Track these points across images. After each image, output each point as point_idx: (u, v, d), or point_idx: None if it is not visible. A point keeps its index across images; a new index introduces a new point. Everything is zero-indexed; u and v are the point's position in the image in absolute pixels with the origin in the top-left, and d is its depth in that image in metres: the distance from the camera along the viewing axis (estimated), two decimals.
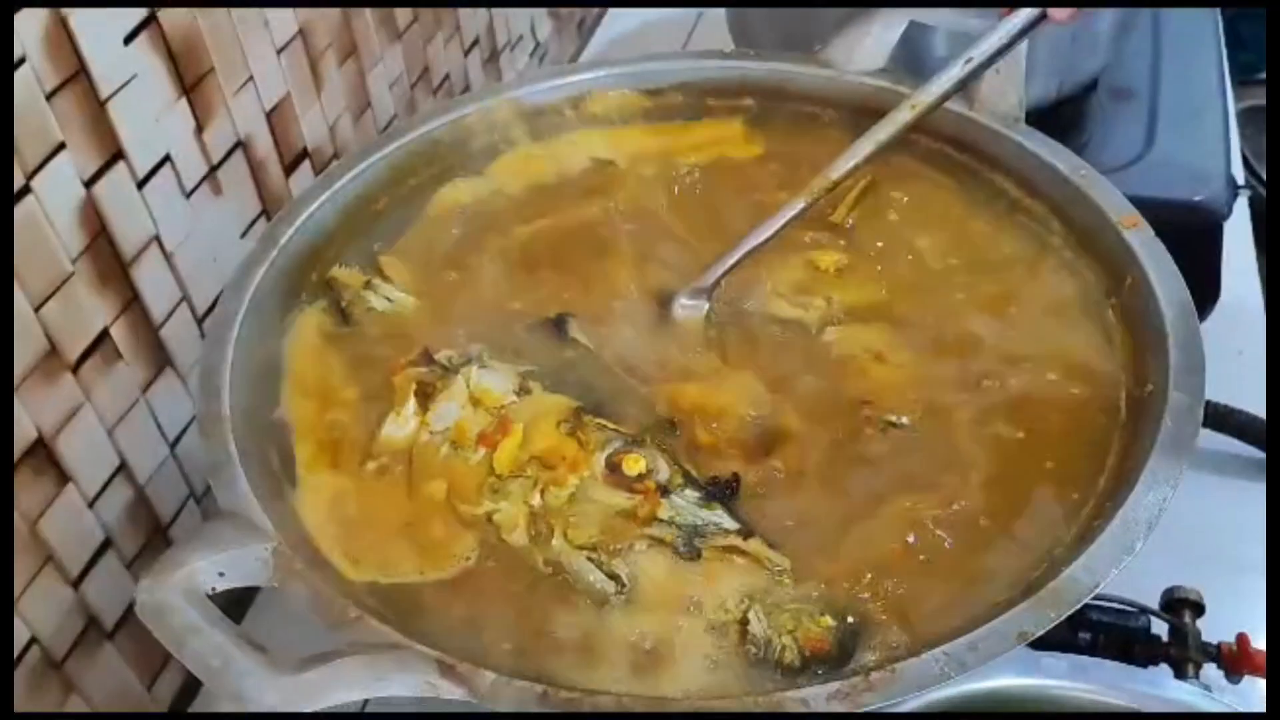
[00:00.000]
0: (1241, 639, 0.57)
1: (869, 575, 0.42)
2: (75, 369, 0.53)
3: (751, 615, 0.42)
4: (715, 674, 0.40)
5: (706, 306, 0.54)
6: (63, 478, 0.53)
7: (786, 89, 0.63)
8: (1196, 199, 0.70)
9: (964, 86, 0.54)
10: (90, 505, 0.55)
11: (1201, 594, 0.60)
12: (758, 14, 0.74)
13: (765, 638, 0.41)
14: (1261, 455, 0.71)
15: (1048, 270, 0.54)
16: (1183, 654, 0.57)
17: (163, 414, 0.60)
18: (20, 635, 0.52)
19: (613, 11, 1.18)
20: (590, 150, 0.63)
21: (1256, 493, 0.70)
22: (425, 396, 0.50)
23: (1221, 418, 0.71)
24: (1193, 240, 0.70)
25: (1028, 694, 0.52)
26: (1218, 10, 0.89)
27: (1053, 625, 0.37)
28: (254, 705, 0.33)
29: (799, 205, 0.54)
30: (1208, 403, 0.67)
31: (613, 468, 0.47)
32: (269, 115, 0.65)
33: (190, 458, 0.62)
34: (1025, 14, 0.53)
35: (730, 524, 0.45)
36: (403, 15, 0.78)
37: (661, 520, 0.45)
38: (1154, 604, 0.60)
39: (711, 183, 0.61)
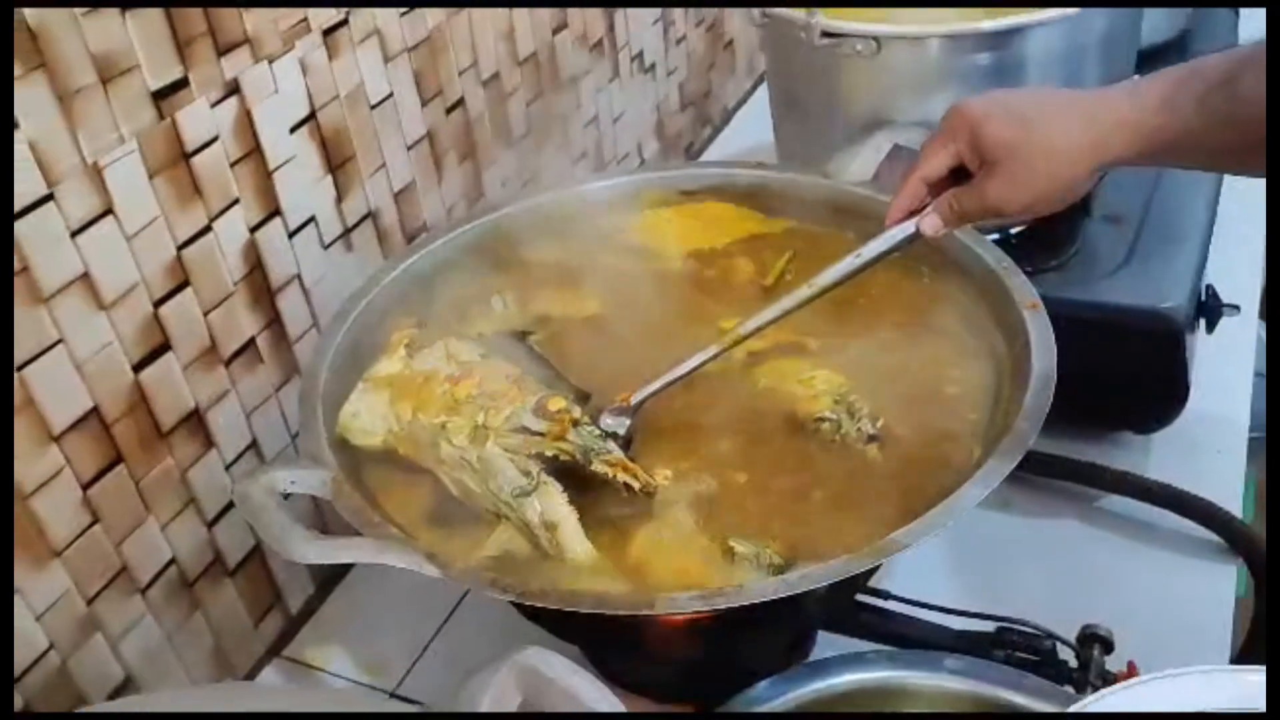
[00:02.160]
0: (1130, 664, 0.66)
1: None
2: (228, 363, 0.72)
3: None
4: None
5: (628, 423, 0.64)
6: (208, 443, 0.72)
7: (792, 191, 0.79)
8: (1160, 306, 0.80)
9: (855, 275, 0.64)
10: (227, 468, 0.74)
11: (1113, 634, 0.69)
12: (796, 141, 0.90)
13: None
14: (1222, 542, 0.79)
15: (966, 331, 0.67)
16: (1083, 677, 0.67)
17: (289, 409, 0.78)
18: (163, 556, 0.70)
19: (723, 136, 1.37)
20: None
21: (1217, 573, 0.78)
22: (412, 348, 0.67)
23: (1186, 504, 0.79)
24: (1156, 344, 0.81)
25: (925, 687, 0.63)
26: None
27: (868, 569, 0.50)
28: (298, 557, 0.50)
29: (712, 351, 0.65)
30: (1176, 490, 0.78)
31: (539, 408, 0.61)
32: (396, 195, 0.85)
33: None
34: (905, 227, 0.63)
35: (619, 453, 0.60)
36: (518, 126, 0.98)
37: (568, 441, 0.60)
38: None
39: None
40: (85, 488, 0.64)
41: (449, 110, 0.89)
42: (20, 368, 0.59)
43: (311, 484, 0.56)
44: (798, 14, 0.77)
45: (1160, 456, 0.85)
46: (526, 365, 0.68)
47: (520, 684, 0.47)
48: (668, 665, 0.67)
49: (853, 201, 0.75)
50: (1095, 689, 0.67)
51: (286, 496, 0.56)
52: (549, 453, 0.60)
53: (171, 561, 0.71)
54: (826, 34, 0.76)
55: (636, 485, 0.60)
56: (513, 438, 0.60)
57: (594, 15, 1.06)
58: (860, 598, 0.71)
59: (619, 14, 1.10)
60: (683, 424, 0.64)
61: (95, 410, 0.63)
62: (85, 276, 0.61)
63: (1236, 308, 0.89)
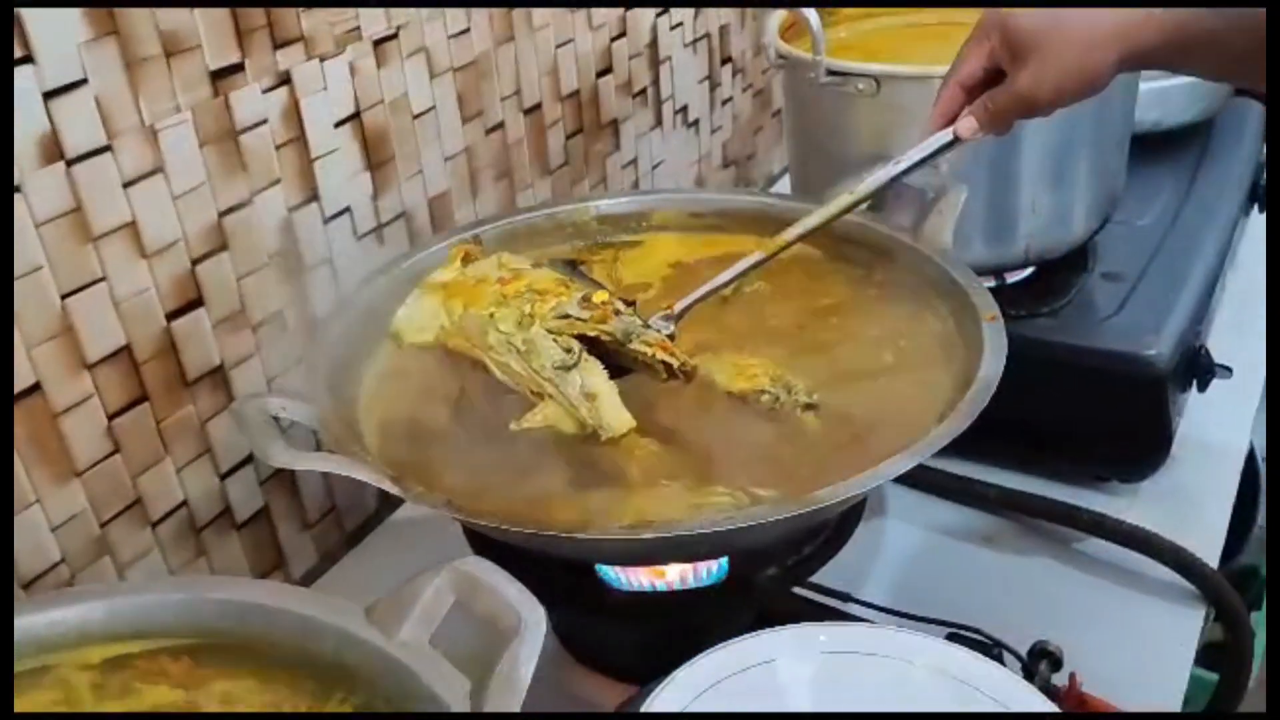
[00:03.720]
0: (1072, 677, 0.68)
1: None
2: (255, 328, 0.79)
3: None
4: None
5: (671, 328, 0.69)
6: (230, 398, 0.78)
7: (790, 217, 0.83)
8: (1143, 353, 0.83)
9: (893, 183, 0.69)
10: None
11: (1063, 652, 0.71)
12: (808, 174, 0.96)
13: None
14: (1193, 589, 0.81)
15: (924, 339, 0.72)
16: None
17: None
18: (176, 497, 0.76)
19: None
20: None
21: (1182, 615, 0.79)
22: (468, 260, 0.74)
23: (1157, 548, 0.81)
24: (1139, 390, 0.84)
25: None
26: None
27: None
28: (271, 459, 0.55)
29: (757, 256, 0.70)
30: (1149, 534, 0.79)
31: (584, 300, 0.66)
32: (430, 200, 0.92)
33: None
34: (942, 135, 0.67)
35: (658, 334, 0.66)
36: (556, 157, 1.05)
37: (610, 324, 0.64)
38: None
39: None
40: (111, 418, 0.70)
41: (489, 131, 0.96)
42: (64, 296, 0.66)
43: (301, 414, 0.62)
44: (806, 55, 0.83)
45: (1144, 510, 0.86)
46: (575, 280, 0.73)
47: (455, 587, 0.52)
48: (612, 628, 0.70)
49: (847, 229, 0.80)
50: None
51: (279, 421, 0.62)
52: (590, 333, 0.64)
53: (183, 503, 0.76)
54: (831, 72, 0.82)
55: (675, 363, 0.64)
56: (557, 323, 0.65)
57: (639, 66, 1.14)
58: (812, 595, 0.74)
59: (664, 67, 1.18)
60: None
61: (127, 348, 0.70)
62: (132, 225, 0.69)
63: (1229, 369, 0.91)
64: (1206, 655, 1.36)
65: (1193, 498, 0.89)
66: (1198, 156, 1.12)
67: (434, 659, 0.50)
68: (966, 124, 0.65)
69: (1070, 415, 0.87)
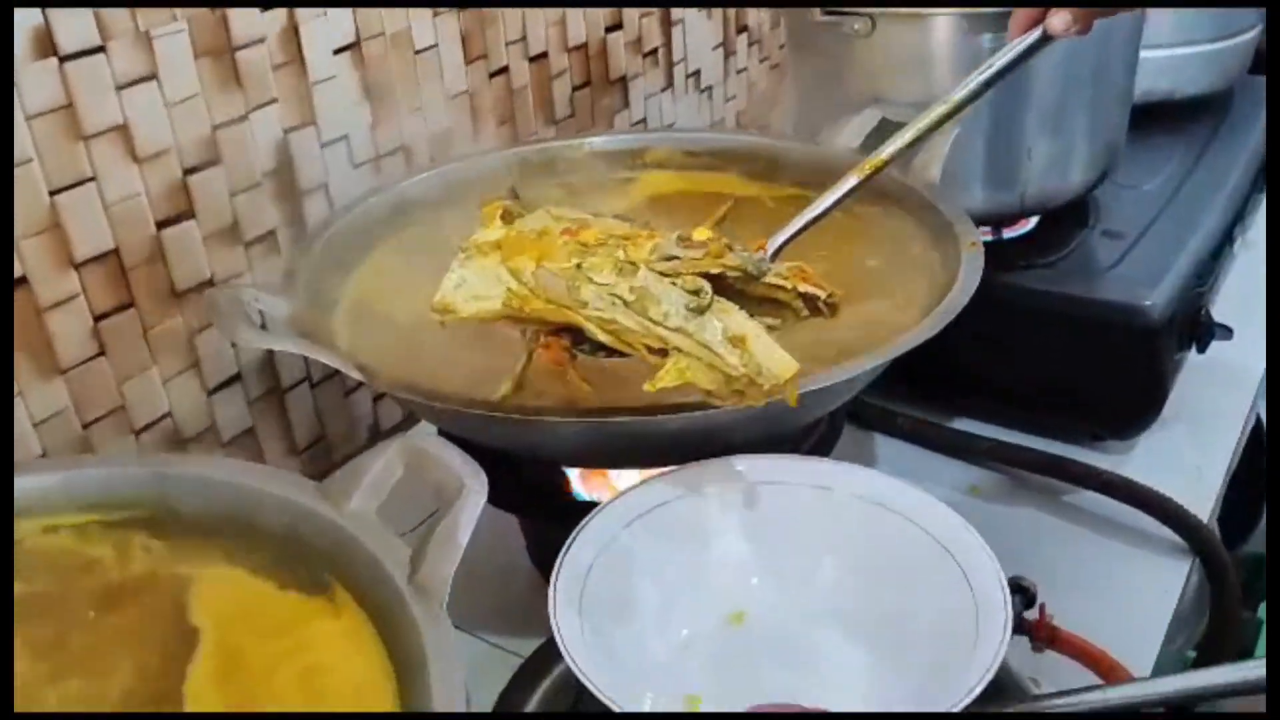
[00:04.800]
0: (1041, 608, 0.67)
1: None
2: (247, 246, 0.80)
3: None
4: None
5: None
6: None
7: (785, 156, 0.84)
8: (1138, 303, 0.82)
9: (987, 88, 0.63)
10: (234, 345, 0.81)
11: (1037, 588, 0.70)
12: (805, 114, 0.95)
13: None
14: (1180, 542, 0.79)
15: (911, 263, 0.71)
16: None
17: None
18: (160, 407, 0.77)
19: None
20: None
21: (1167, 567, 0.78)
22: (509, 218, 0.61)
23: (1145, 499, 0.80)
24: (1132, 341, 0.83)
25: None
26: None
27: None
28: (238, 339, 0.56)
29: (853, 181, 0.64)
30: (1137, 486, 0.78)
31: (683, 240, 0.57)
32: (431, 137, 0.93)
33: None
34: (1029, 36, 0.62)
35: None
36: (562, 108, 1.06)
37: (732, 259, 0.56)
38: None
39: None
40: (97, 319, 0.71)
41: (492, 75, 0.97)
42: (53, 193, 0.67)
43: (275, 308, 0.63)
44: None
45: (1137, 470, 0.85)
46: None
47: (404, 459, 0.52)
48: None
49: (834, 164, 0.80)
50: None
51: (250, 307, 0.62)
52: (714, 271, 0.56)
53: (167, 415, 0.77)
54: (827, 11, 0.82)
55: (822, 293, 0.57)
56: (665, 264, 0.56)
57: (650, 25, 1.15)
58: None
59: (676, 29, 1.19)
60: None
61: (116, 252, 0.71)
62: (123, 128, 0.70)
63: (1229, 330, 0.89)
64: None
65: (1187, 460, 0.87)
66: (1212, 128, 1.10)
67: (378, 528, 0.51)
68: (1060, 19, 0.60)
69: (1064, 368, 0.86)
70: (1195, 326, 0.87)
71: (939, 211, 0.71)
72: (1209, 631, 0.79)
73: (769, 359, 0.53)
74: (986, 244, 0.87)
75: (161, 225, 0.74)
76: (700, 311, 0.54)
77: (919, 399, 0.92)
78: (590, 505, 0.67)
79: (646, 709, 0.53)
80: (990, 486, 0.86)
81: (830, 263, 0.74)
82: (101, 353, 0.72)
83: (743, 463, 0.60)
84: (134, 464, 0.59)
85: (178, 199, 0.74)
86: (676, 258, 0.56)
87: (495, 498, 0.69)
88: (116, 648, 0.49)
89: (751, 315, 0.56)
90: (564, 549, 0.55)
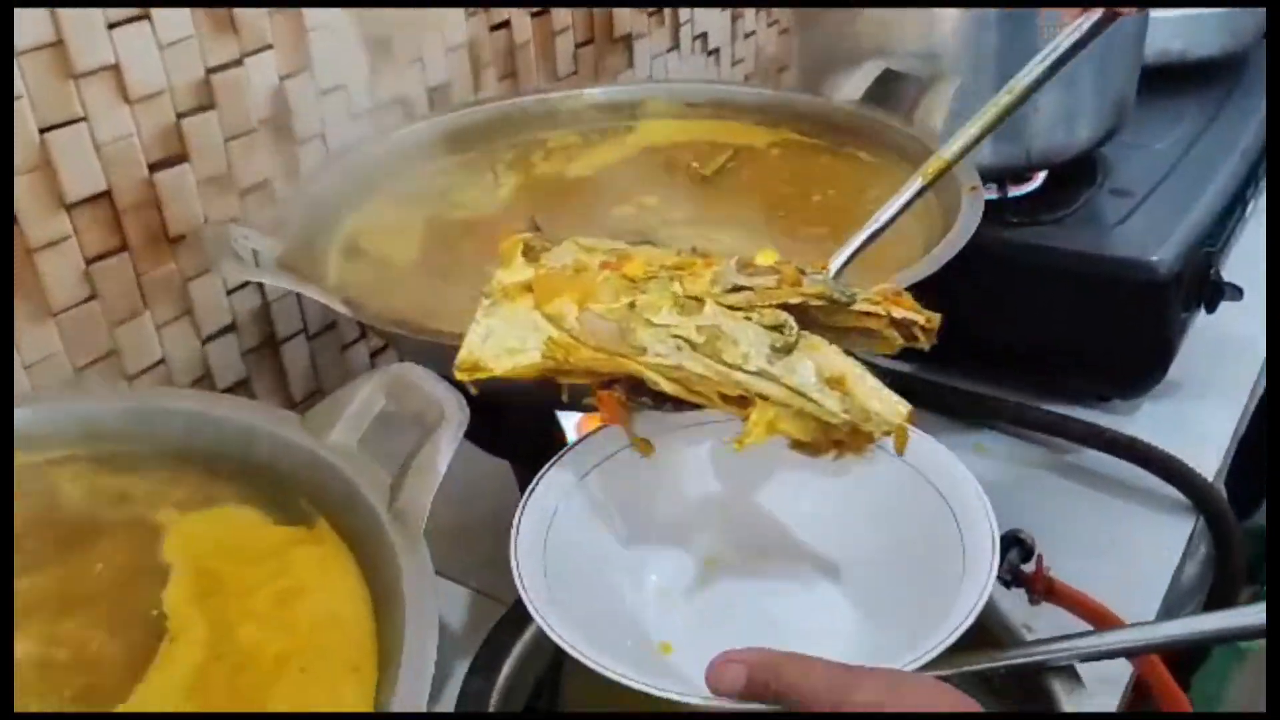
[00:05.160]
0: (1039, 559, 0.66)
1: None
2: (242, 194, 0.79)
3: None
4: None
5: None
6: None
7: (788, 106, 0.82)
8: (1145, 259, 0.80)
9: (1052, 73, 0.58)
10: (229, 294, 0.81)
11: (1036, 541, 0.69)
12: (811, 67, 0.94)
13: None
14: (1184, 500, 0.78)
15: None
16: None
17: None
18: (154, 354, 0.76)
19: None
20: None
21: (1170, 525, 0.77)
22: (532, 254, 0.53)
23: (1150, 457, 0.79)
24: (1138, 299, 0.81)
25: None
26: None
27: None
28: (222, 273, 0.56)
29: (917, 184, 0.58)
30: (1142, 444, 0.77)
31: (745, 265, 0.50)
32: (430, 90, 0.92)
33: (310, 300, 0.86)
34: (1092, 14, 0.57)
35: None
36: (565, 65, 1.04)
37: (812, 286, 0.49)
38: None
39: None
40: (89, 262, 0.71)
41: (493, 29, 0.96)
42: (43, 131, 0.67)
43: (265, 246, 0.62)
44: None
45: (1142, 430, 0.84)
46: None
47: (386, 389, 0.51)
48: None
49: (833, 114, 0.79)
50: (1005, 584, 0.66)
51: (240, 245, 0.62)
52: (793, 301, 0.48)
53: (161, 361, 0.77)
54: None
55: (921, 319, 0.49)
56: (733, 297, 0.49)
57: None
58: None
59: None
60: None
61: (108, 194, 0.71)
62: (115, 68, 0.69)
63: (1239, 290, 0.88)
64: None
65: (1194, 422, 0.86)
66: (1225, 91, 1.08)
67: (359, 457, 0.50)
68: None
69: (1069, 326, 0.85)
70: (1204, 285, 0.85)
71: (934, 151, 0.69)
72: (1213, 593, 0.78)
73: (876, 401, 0.46)
74: (991, 201, 0.87)
75: (154, 168, 0.73)
76: (787, 350, 0.46)
77: (923, 359, 0.90)
78: None
79: (615, 657, 0.51)
80: (994, 446, 0.85)
81: (829, 209, 0.73)
82: (93, 296, 0.72)
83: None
84: (116, 398, 0.59)
85: (171, 142, 0.74)
86: (745, 288, 0.49)
87: (488, 443, 0.70)
88: (96, 575, 0.49)
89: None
90: (525, 495, 0.52)
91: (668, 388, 0.48)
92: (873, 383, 0.46)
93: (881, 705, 0.38)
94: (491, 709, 0.56)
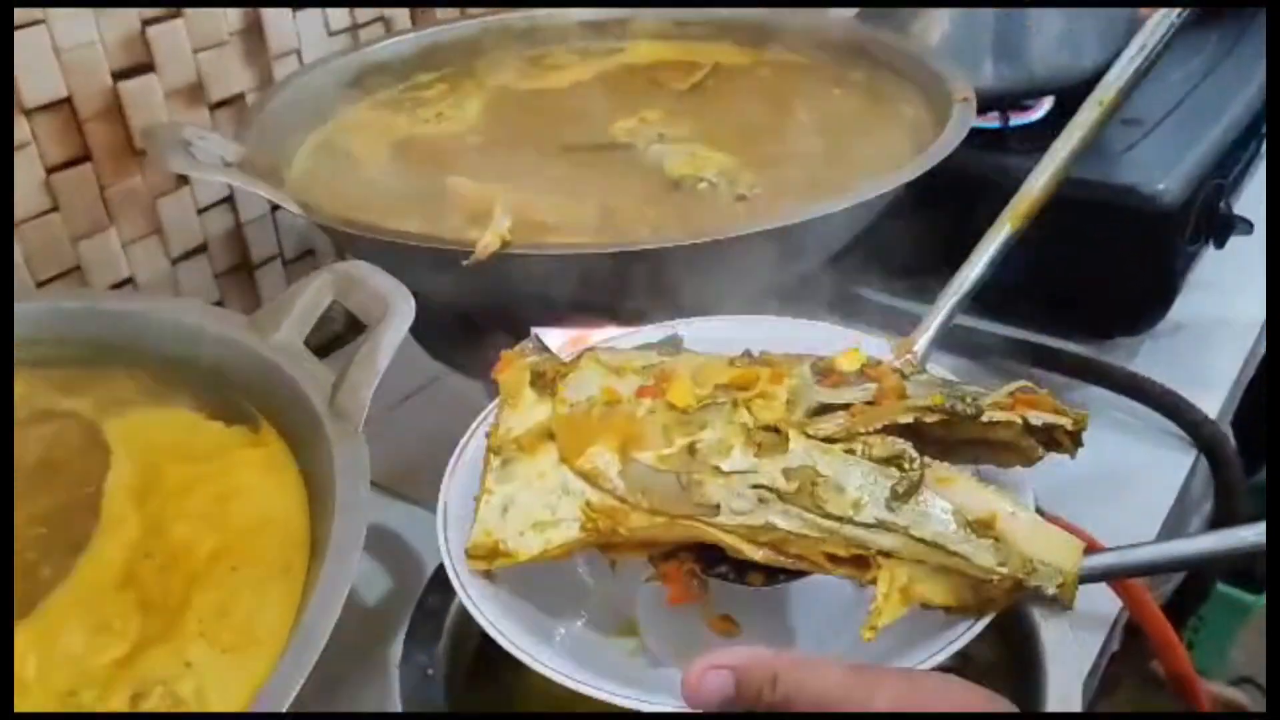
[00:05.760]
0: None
1: None
2: (213, 108, 0.77)
3: None
4: None
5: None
6: (184, 180, 0.76)
7: (781, 24, 0.79)
8: (1150, 188, 0.77)
9: (1140, 79, 0.56)
10: (199, 213, 0.78)
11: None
12: None
13: None
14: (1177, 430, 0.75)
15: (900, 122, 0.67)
16: None
17: None
18: (120, 271, 0.74)
19: None
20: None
21: (1167, 460, 0.74)
22: (541, 383, 0.43)
23: (1146, 391, 0.76)
24: (1142, 228, 0.78)
25: None
26: None
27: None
28: (173, 168, 0.53)
29: (1005, 231, 0.53)
30: (1139, 377, 0.74)
31: (825, 372, 0.41)
32: (414, 10, 0.89)
33: (286, 223, 0.84)
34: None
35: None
36: None
37: (925, 395, 0.39)
38: None
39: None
40: (49, 171, 0.69)
41: None
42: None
43: (221, 148, 0.59)
44: None
45: (1143, 367, 0.81)
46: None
47: (333, 287, 0.49)
48: None
49: (827, 32, 0.76)
50: None
51: (187, 147, 0.59)
52: (903, 419, 0.38)
53: (129, 280, 0.75)
54: None
55: (1067, 423, 0.40)
56: (823, 424, 0.38)
57: None
58: None
59: None
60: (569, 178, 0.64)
61: (69, 101, 0.68)
62: None
63: (1249, 224, 0.84)
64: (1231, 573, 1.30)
65: (1198, 361, 0.83)
66: (1245, 22, 1.04)
67: (303, 355, 0.48)
68: None
69: (1072, 258, 0.81)
70: (1213, 218, 0.82)
71: (932, 71, 0.66)
72: (1212, 527, 0.75)
73: (1040, 544, 0.37)
74: (992, 130, 0.83)
75: (118, 77, 0.71)
76: (910, 491, 0.36)
77: (918, 294, 0.88)
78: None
79: (561, 646, 0.42)
80: (988, 381, 0.82)
81: (819, 122, 0.70)
82: (55, 208, 0.69)
83: (686, 327, 0.49)
84: (68, 300, 0.57)
85: (135, 50, 0.71)
86: (835, 407, 0.39)
87: (461, 364, 0.67)
88: (43, 472, 0.47)
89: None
90: (455, 454, 0.44)
91: (755, 554, 0.37)
92: (1030, 519, 0.37)
93: (910, 706, 0.33)
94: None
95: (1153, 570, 0.50)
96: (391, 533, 0.70)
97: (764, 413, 0.39)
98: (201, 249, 0.79)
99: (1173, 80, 0.93)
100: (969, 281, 0.51)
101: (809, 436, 0.38)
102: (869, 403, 0.39)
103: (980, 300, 0.87)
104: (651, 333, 0.49)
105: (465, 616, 0.53)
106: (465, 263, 0.47)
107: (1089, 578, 0.49)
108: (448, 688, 0.48)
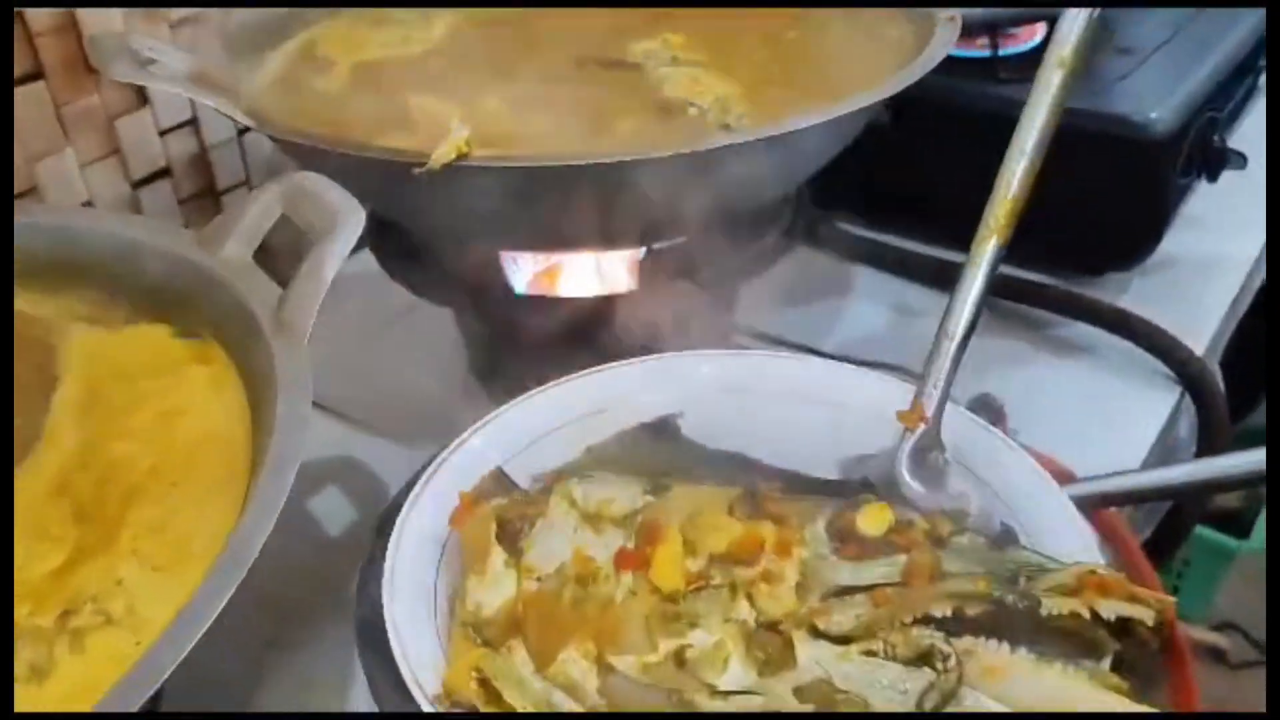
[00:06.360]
0: (1004, 418, 0.62)
1: None
2: (173, 25, 0.74)
3: None
4: None
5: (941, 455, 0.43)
6: (143, 99, 0.74)
7: None
8: (1140, 116, 0.74)
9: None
10: (161, 135, 0.76)
11: (1005, 407, 0.64)
12: None
13: None
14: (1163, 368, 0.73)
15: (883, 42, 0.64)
16: None
17: None
18: (79, 194, 0.72)
19: None
20: None
21: (1154, 399, 0.72)
22: (513, 537, 0.37)
23: (1133, 327, 0.74)
24: (1132, 158, 0.76)
25: None
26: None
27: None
28: (116, 75, 0.51)
29: (992, 246, 0.49)
30: (1125, 313, 0.73)
31: (842, 536, 0.35)
32: None
33: (254, 148, 0.82)
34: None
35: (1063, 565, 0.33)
36: None
37: (968, 575, 0.33)
38: None
39: None
40: None
41: None
42: None
43: (175, 61, 0.57)
44: None
45: (1134, 303, 0.79)
46: (714, 474, 0.41)
47: (282, 200, 0.47)
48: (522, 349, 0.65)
49: None
50: None
51: (141, 58, 0.57)
52: (937, 610, 0.32)
53: (88, 203, 0.72)
54: None
55: (1148, 616, 0.32)
56: (839, 616, 0.33)
57: None
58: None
59: None
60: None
61: (20, 15, 0.66)
62: None
63: (1243, 157, 0.82)
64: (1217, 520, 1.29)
65: (1187, 299, 0.81)
66: None
67: (250, 270, 0.46)
68: None
69: (1061, 189, 0.78)
70: (1206, 150, 0.80)
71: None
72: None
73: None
74: (982, 59, 0.81)
75: None
76: (946, 700, 0.30)
77: (903, 228, 0.86)
78: (530, 300, 0.62)
79: None
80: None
81: (799, 43, 0.68)
82: None
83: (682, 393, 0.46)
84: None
85: None
86: (850, 590, 0.33)
87: (424, 288, 0.65)
88: None
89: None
90: (391, 546, 0.38)
91: None
92: (1089, 697, 0.30)
93: None
94: None
95: (1130, 500, 0.48)
96: (358, 464, 0.69)
97: (769, 603, 0.33)
98: (164, 173, 0.76)
99: (1169, 11, 0.90)
100: (964, 320, 0.48)
101: (820, 636, 0.32)
102: (894, 585, 0.33)
103: (967, 233, 0.85)
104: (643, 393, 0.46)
105: None
106: (417, 170, 0.45)
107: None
108: None
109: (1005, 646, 0.32)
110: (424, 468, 0.42)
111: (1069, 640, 0.33)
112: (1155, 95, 0.76)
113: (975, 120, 0.76)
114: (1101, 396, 0.73)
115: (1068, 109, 0.77)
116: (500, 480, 0.40)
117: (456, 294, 0.64)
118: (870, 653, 0.32)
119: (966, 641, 0.32)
